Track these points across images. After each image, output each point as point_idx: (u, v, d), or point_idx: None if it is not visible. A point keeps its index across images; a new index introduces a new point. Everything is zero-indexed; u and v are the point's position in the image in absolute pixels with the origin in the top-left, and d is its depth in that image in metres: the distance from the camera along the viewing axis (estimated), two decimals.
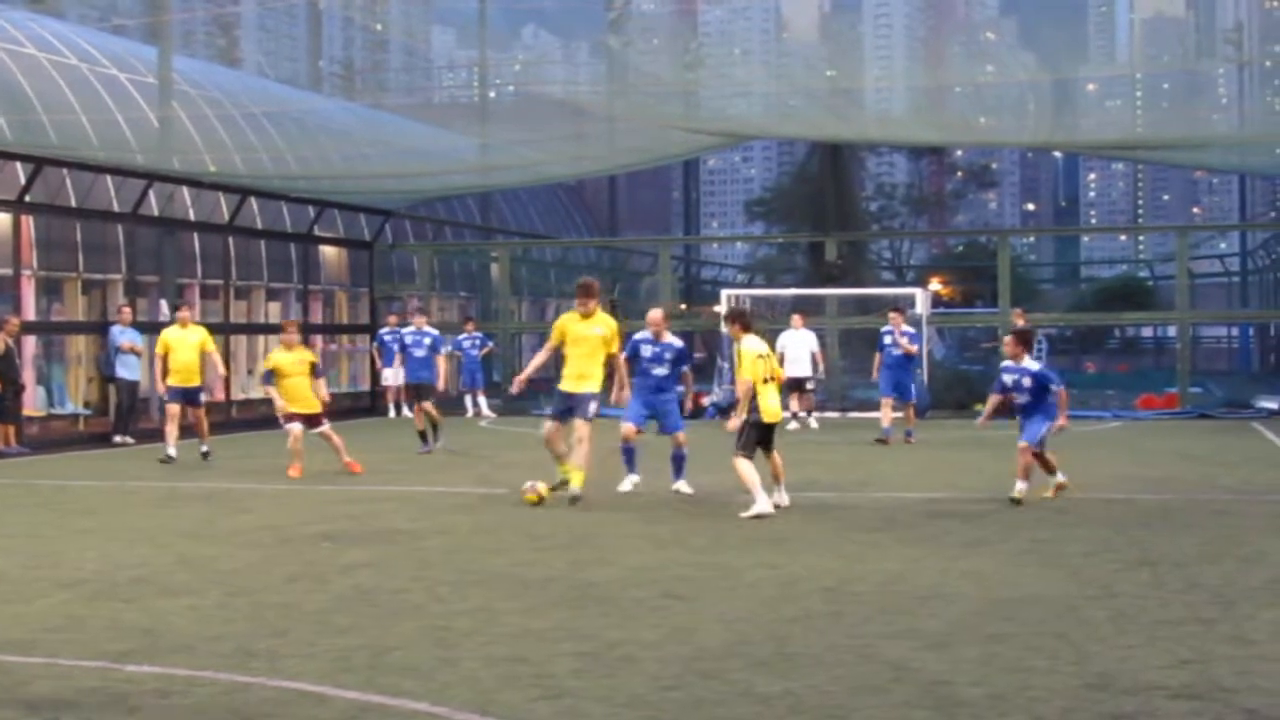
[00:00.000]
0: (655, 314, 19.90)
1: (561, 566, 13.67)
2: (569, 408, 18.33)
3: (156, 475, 22.58)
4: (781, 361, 32.55)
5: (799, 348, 32.35)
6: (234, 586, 12.68)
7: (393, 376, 36.31)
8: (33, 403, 29.64)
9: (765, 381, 17.29)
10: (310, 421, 22.31)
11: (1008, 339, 18.93)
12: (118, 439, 28.25)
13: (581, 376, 18.37)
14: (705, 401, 36.12)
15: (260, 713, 8.35)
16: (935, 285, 59.40)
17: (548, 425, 18.48)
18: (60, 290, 32.23)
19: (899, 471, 22.50)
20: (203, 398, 25.13)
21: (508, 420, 34.97)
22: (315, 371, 22.55)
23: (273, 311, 38.75)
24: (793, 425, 31.44)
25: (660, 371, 19.38)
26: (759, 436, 17.27)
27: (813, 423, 32.34)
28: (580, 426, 18.08)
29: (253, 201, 37.06)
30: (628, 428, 19.26)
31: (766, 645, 10.25)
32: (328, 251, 41.53)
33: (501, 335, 41.30)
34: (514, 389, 20.43)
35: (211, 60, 44.05)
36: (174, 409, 24.33)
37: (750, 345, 17.36)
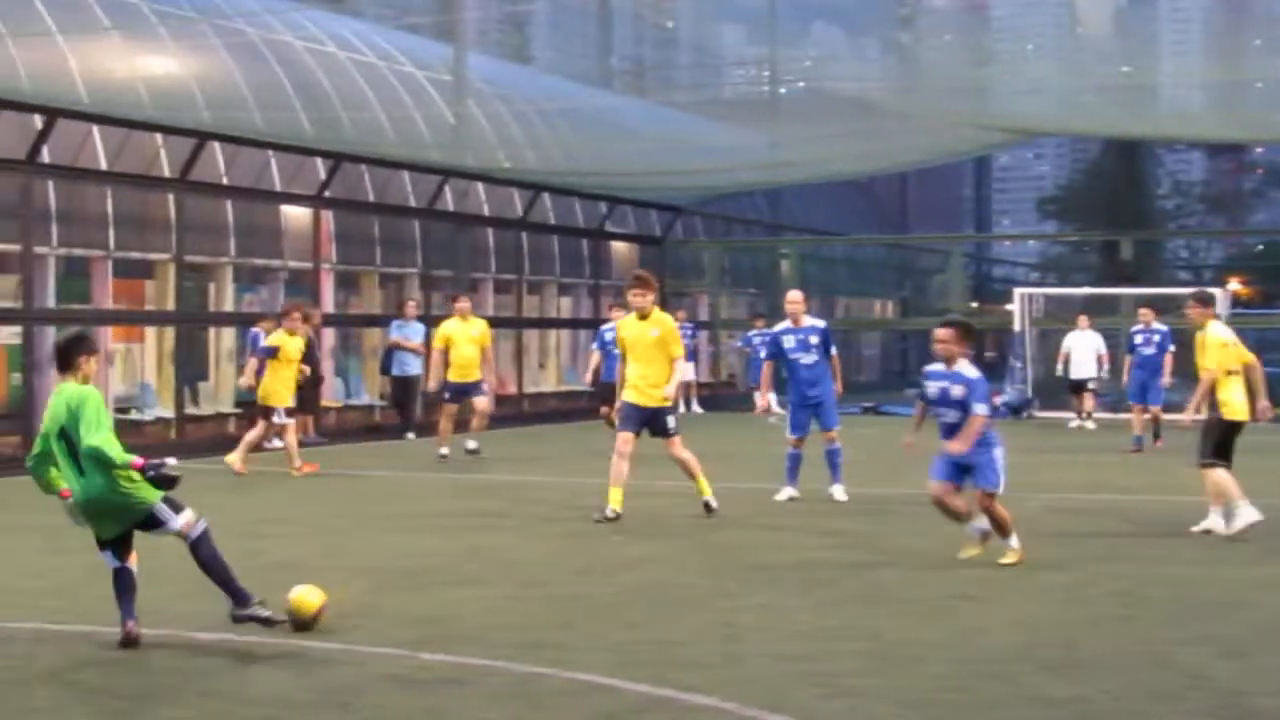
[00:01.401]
0: (795, 294, 18.61)
1: (848, 565, 13.49)
2: (642, 423, 16.69)
3: (445, 468, 22.70)
4: (1066, 363, 32.12)
5: (1084, 349, 31.81)
6: (523, 578, 12.74)
7: (687, 371, 36.18)
8: (330, 394, 30.09)
9: (1229, 374, 15.14)
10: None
11: (941, 331, 13.65)
12: (409, 436, 28.38)
13: (650, 386, 16.57)
14: (997, 401, 35.72)
15: (552, 703, 8.34)
16: (1234, 285, 57.41)
17: (621, 437, 16.57)
18: (357, 284, 32.70)
19: (1184, 475, 21.62)
20: (485, 389, 24.30)
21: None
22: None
23: (564, 306, 38.96)
24: (1074, 424, 31.60)
25: (809, 360, 18.05)
26: (1222, 438, 15.07)
27: (1089, 424, 31.47)
28: (674, 445, 16.68)
29: (545, 197, 37.22)
30: (791, 438, 18.16)
31: (1056, 649, 9.97)
32: (618, 247, 41.63)
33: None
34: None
35: (504, 58, 44.23)
36: (451, 408, 23.85)
37: (1217, 332, 15.38)
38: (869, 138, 42.54)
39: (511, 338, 35.69)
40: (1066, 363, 31.93)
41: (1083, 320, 32.50)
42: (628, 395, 16.63)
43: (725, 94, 51.00)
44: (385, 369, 29.57)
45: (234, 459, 21.34)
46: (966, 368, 13.44)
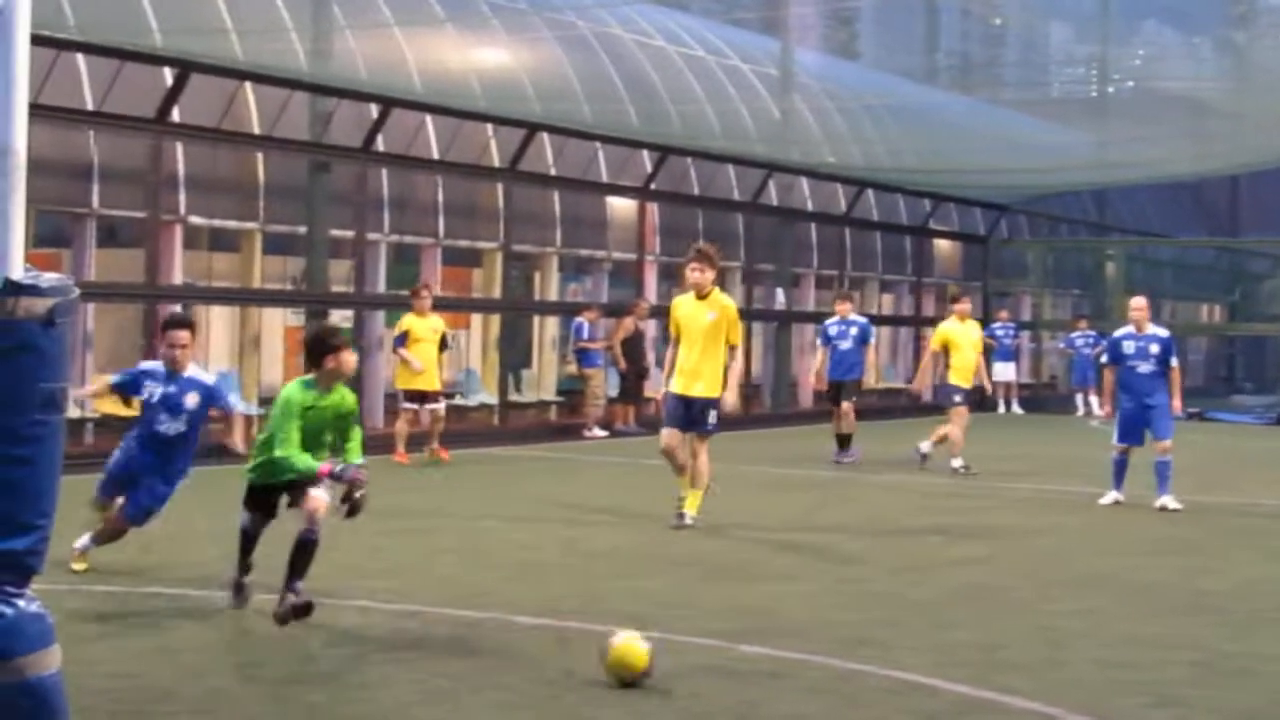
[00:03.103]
0: (1139, 300, 17.66)
1: (1172, 573, 13.01)
2: (686, 417, 14.68)
3: (769, 461, 22.24)
4: None
5: None
6: (843, 574, 12.46)
7: (1003, 371, 35.37)
8: (653, 385, 29.81)
9: None
10: (427, 399, 20.56)
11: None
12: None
13: (694, 375, 14.59)
14: None
15: (871, 700, 8.08)
16: None
17: (665, 433, 14.89)
18: (681, 276, 32.35)
19: None
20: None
21: None
22: (443, 344, 20.97)
23: (885, 303, 38.32)
24: None
25: (1146, 369, 17.12)
26: None
27: None
28: (696, 444, 14.65)
29: (869, 193, 36.59)
30: (1119, 445, 17.24)
31: None
32: (941, 245, 40.85)
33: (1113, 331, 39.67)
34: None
35: (830, 53, 43.82)
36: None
37: None
38: (1200, 139, 41.33)
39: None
40: None
41: None
42: (674, 385, 14.73)
43: (1053, 92, 50.02)
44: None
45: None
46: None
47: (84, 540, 11.21)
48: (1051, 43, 54.15)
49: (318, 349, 9.95)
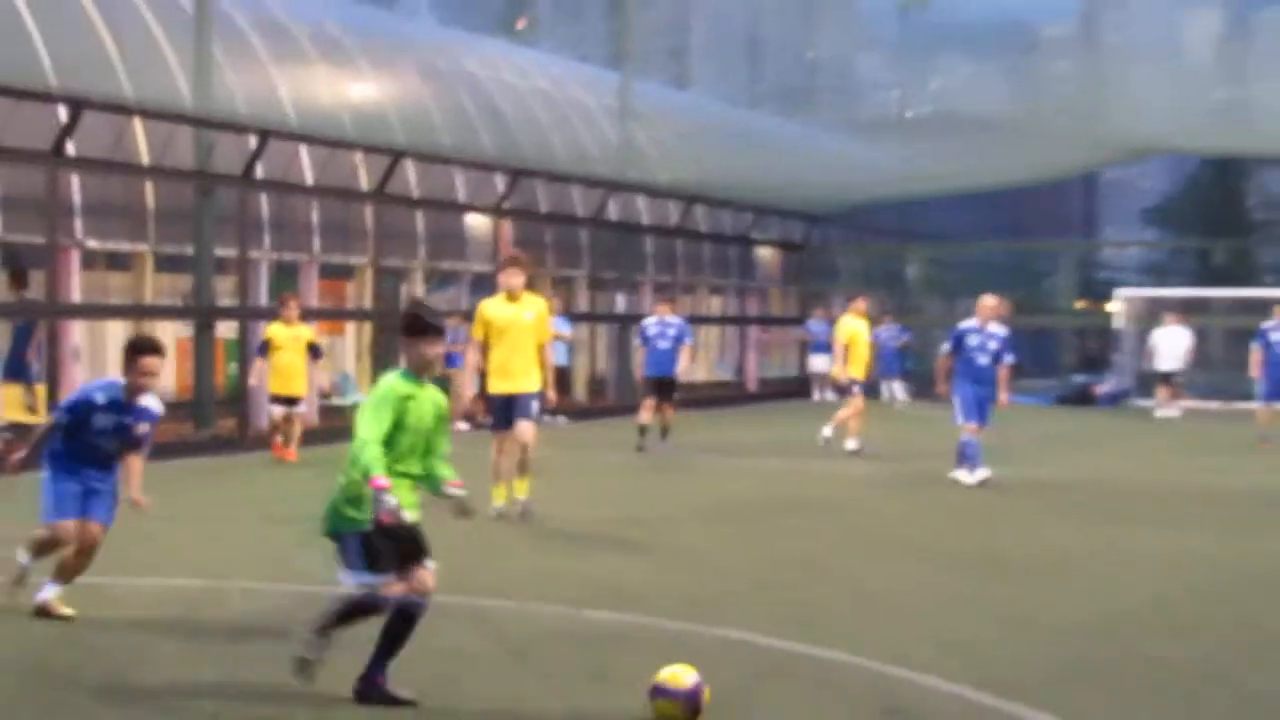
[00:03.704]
0: (989, 299, 17.76)
1: (974, 539, 13.29)
2: (511, 415, 13.85)
3: (613, 447, 22.29)
4: (1152, 357, 31.47)
5: (1171, 344, 31.32)
6: (680, 546, 12.56)
7: (820, 363, 35.80)
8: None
9: None
10: (293, 402, 19.95)
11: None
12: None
13: (515, 373, 13.86)
14: (1100, 390, 35.96)
15: (704, 657, 7.96)
16: None
17: (495, 452, 14.09)
18: (532, 286, 32.34)
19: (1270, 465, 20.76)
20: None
21: (923, 405, 33.90)
22: (312, 352, 20.17)
23: (715, 305, 38.55)
24: (1160, 413, 30.77)
25: (984, 361, 17.36)
26: None
27: (1174, 412, 30.54)
28: (523, 429, 13.79)
29: (698, 208, 36.82)
30: (970, 425, 17.33)
31: (1149, 612, 9.86)
32: (763, 252, 41.10)
33: (917, 328, 40.20)
34: (464, 419, 16.54)
35: (664, 83, 43.97)
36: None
37: None
38: (990, 156, 42.04)
39: None
40: (1152, 357, 31.58)
41: (1170, 318, 32.12)
42: (497, 386, 13.90)
43: (861, 115, 50.42)
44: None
45: None
46: None
47: (48, 590, 9.45)
48: (860, 71, 54.61)
49: (416, 328, 7.78)
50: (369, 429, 7.32)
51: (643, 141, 35.35)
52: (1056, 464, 19.91)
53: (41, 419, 20.42)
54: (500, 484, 13.96)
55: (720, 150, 38.75)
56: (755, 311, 40.19)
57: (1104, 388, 36.37)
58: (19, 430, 20.31)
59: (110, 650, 8.58)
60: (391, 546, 7.36)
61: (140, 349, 9.52)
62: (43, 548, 9.62)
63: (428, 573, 7.47)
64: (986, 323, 17.56)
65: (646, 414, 21.96)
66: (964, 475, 17.30)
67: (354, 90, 29.32)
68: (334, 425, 24.54)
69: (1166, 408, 31.04)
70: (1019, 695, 7.47)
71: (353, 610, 7.47)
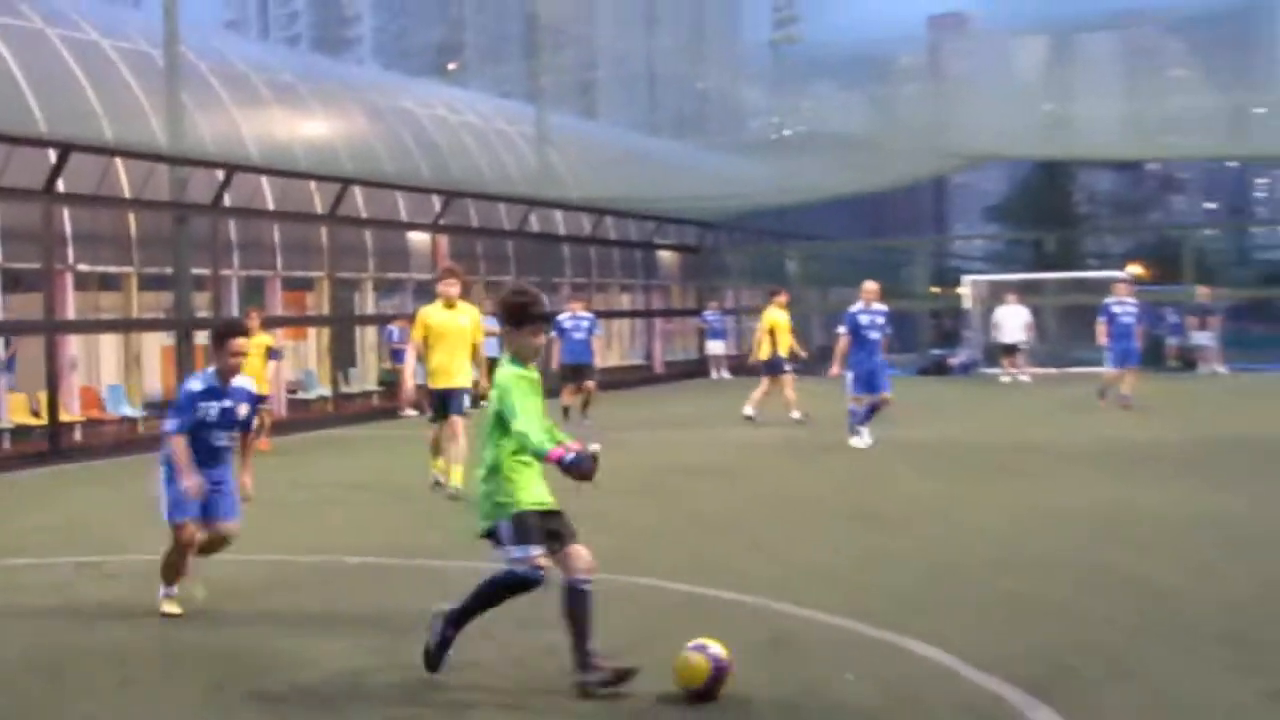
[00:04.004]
0: (871, 284, 17.79)
1: (853, 494, 13.28)
2: (448, 407, 13.53)
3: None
4: (997, 330, 31.85)
5: (1011, 319, 31.62)
6: (597, 510, 12.06)
7: (715, 347, 36.00)
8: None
9: None
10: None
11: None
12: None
13: (452, 371, 13.53)
14: (954, 361, 36.36)
15: (617, 601, 7.92)
16: (1134, 269, 56.46)
17: (431, 433, 13.85)
18: (468, 291, 32.31)
19: (1108, 421, 21.04)
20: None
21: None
22: (271, 355, 19.10)
23: (624, 301, 38.60)
24: (1005, 379, 30.88)
25: (875, 336, 17.25)
26: None
27: (1024, 377, 30.91)
28: (455, 422, 13.46)
29: (608, 219, 36.87)
30: (864, 397, 17.21)
31: (1003, 552, 9.86)
32: (664, 255, 41.17)
33: (796, 315, 40.41)
34: (411, 407, 15.96)
35: (575, 114, 44.02)
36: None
37: None
38: (854, 167, 42.38)
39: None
40: (997, 330, 31.95)
41: (1011, 297, 32.50)
42: (437, 382, 13.56)
43: (744, 137, 50.65)
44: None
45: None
46: None
47: (166, 591, 8.45)
48: (741, 100, 54.86)
49: (524, 318, 6.85)
50: (523, 418, 6.54)
51: (558, 164, 35.35)
52: (924, 427, 19.82)
53: (43, 421, 20.26)
54: (439, 458, 13.77)
55: (624, 170, 38.92)
56: (659, 305, 40.30)
57: (957, 359, 36.68)
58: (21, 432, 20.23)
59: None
60: (539, 525, 6.59)
61: (228, 332, 8.50)
62: (175, 565, 8.40)
63: (582, 548, 6.61)
64: (870, 303, 17.61)
65: (568, 397, 21.94)
66: (858, 441, 17.27)
67: (307, 128, 29.15)
68: (300, 416, 24.58)
69: (1012, 374, 31.37)
70: (889, 624, 7.50)
71: (504, 587, 6.67)
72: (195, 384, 8.38)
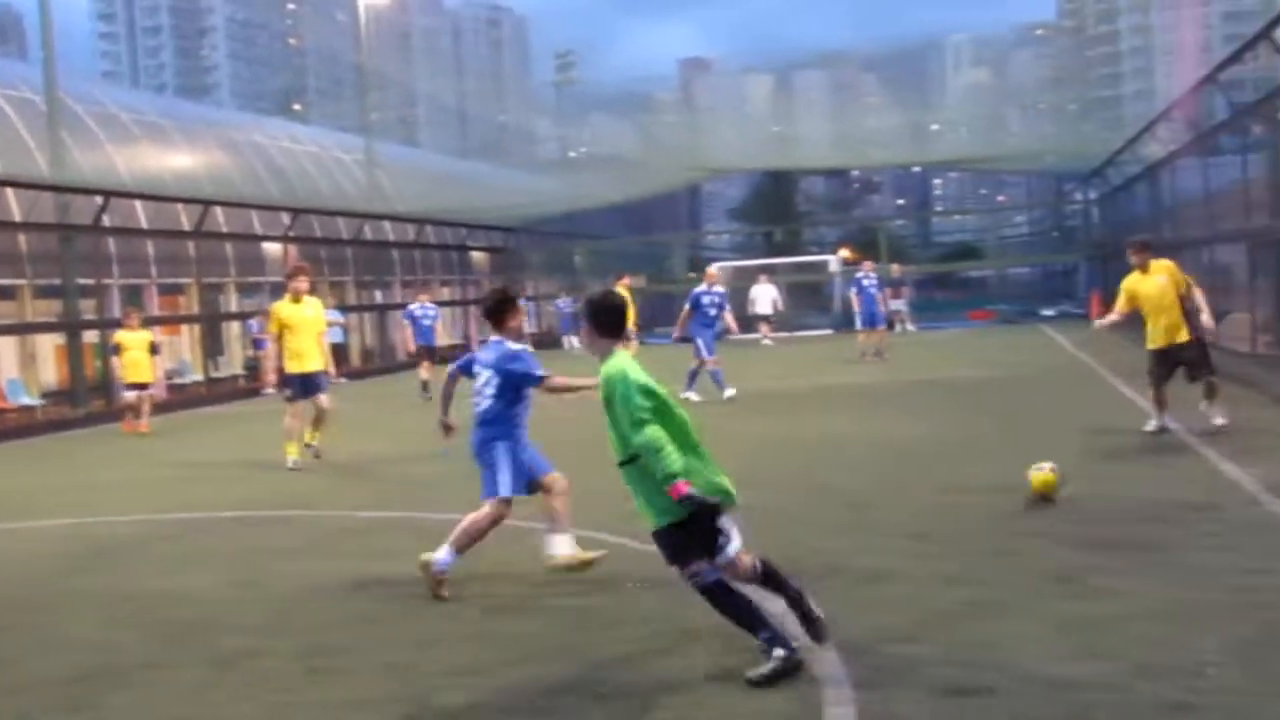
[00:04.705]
0: (713, 268, 17.61)
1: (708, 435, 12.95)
2: (307, 388, 12.74)
3: (384, 397, 21.89)
4: (753, 304, 32.21)
5: (764, 295, 31.91)
6: (465, 471, 11.96)
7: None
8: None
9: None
10: (144, 388, 18.21)
11: None
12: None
13: (309, 356, 12.72)
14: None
15: (436, 532, 7.40)
16: (844, 252, 58.19)
17: (291, 410, 12.77)
18: (315, 289, 31.52)
19: (830, 370, 21.60)
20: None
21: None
22: (154, 350, 18.38)
23: (444, 294, 38.14)
24: (765, 341, 30.90)
25: (714, 312, 17.08)
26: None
27: (768, 342, 31.41)
28: (321, 399, 12.74)
29: (429, 227, 36.36)
30: (711, 359, 16.81)
31: (741, 473, 9.58)
32: (477, 255, 40.80)
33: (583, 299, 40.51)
34: (273, 387, 14.91)
35: (399, 143, 43.33)
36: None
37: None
38: (625, 180, 42.70)
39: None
40: (753, 304, 32.34)
41: (763, 277, 32.98)
42: (295, 368, 12.70)
43: (538, 158, 50.58)
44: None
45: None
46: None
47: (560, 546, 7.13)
48: (535, 128, 54.79)
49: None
50: (653, 424, 5.16)
51: (385, 184, 34.77)
52: (709, 385, 19.80)
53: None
54: (292, 442, 12.73)
55: (441, 187, 38.50)
56: (473, 296, 39.99)
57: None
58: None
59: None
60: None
61: (507, 300, 6.90)
62: (478, 536, 6.88)
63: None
64: (712, 285, 17.42)
65: (425, 371, 21.05)
66: (729, 393, 16.66)
67: (174, 159, 28.05)
68: (178, 398, 23.66)
69: (767, 338, 31.75)
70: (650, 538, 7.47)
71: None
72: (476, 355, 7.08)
